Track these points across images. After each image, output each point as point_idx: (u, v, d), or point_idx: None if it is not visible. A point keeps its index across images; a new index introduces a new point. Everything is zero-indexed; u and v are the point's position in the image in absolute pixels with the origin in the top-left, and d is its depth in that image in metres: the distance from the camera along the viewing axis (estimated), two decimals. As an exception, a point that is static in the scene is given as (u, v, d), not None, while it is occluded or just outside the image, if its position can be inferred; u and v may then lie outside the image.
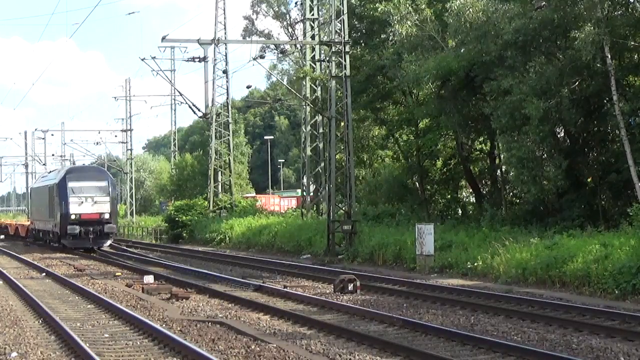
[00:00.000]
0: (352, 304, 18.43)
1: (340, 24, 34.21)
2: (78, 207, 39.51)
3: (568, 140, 29.31)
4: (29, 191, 60.18)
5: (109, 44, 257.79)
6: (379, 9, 34.04)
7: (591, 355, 12.47)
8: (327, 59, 35.92)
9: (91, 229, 39.35)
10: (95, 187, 40.23)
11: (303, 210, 44.88)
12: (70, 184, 39.95)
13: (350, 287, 20.86)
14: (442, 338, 14.07)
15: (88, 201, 39.64)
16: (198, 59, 34.17)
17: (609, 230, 23.75)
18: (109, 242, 41.08)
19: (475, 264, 24.20)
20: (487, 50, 27.94)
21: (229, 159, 53.46)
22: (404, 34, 32.80)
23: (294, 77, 52.02)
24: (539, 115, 25.75)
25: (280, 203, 71.83)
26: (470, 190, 38.77)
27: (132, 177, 75.68)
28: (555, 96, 26.15)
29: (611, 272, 19.13)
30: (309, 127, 44.26)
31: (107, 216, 39.94)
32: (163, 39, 34.97)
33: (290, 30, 59.97)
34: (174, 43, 49.09)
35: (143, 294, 21.56)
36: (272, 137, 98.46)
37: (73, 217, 39.25)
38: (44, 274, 28.68)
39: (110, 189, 40.69)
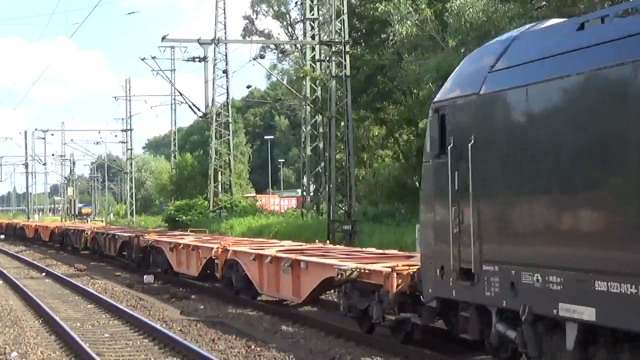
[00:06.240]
0: (352, 304, 18.38)
1: (340, 23, 34.24)
2: None
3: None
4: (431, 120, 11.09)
5: (108, 43, 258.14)
6: (379, 9, 34.04)
7: (591, 355, 12.45)
8: (327, 58, 35.96)
9: None
10: None
11: (303, 210, 44.86)
12: None
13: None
14: (442, 338, 14.04)
15: None
16: (198, 59, 34.18)
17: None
18: None
19: (475, 263, 24.15)
20: (487, 50, 27.93)
21: (229, 158, 53.43)
22: (404, 34, 32.81)
23: (294, 77, 52.04)
24: (539, 115, 25.71)
25: (280, 203, 71.85)
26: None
27: (132, 177, 75.71)
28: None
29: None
30: (309, 127, 44.23)
31: None
32: (163, 38, 34.99)
33: (290, 30, 60.06)
34: (174, 43, 49.06)
35: (143, 294, 21.56)
36: (272, 137, 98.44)
37: None
38: (44, 273, 28.65)
39: None
